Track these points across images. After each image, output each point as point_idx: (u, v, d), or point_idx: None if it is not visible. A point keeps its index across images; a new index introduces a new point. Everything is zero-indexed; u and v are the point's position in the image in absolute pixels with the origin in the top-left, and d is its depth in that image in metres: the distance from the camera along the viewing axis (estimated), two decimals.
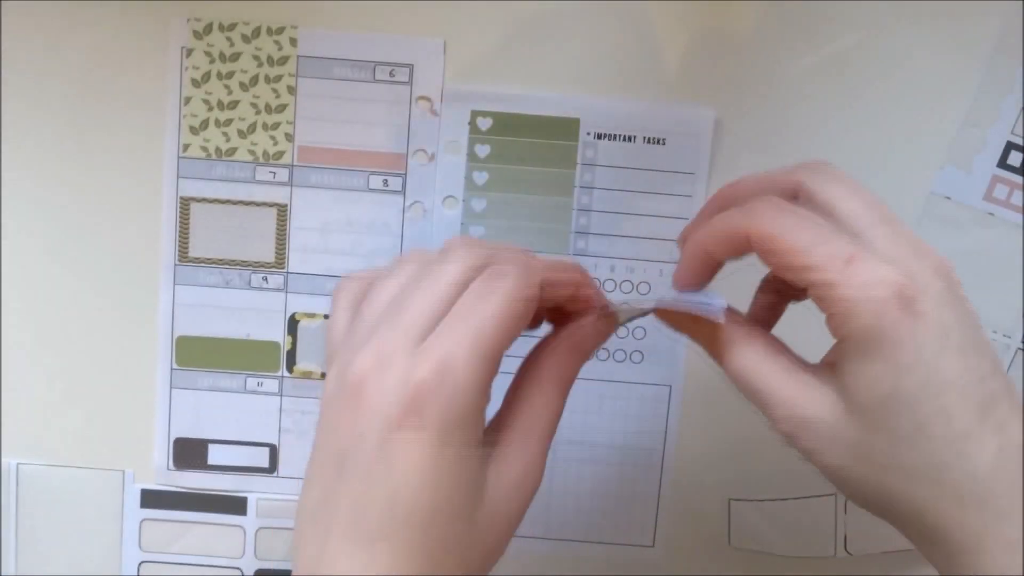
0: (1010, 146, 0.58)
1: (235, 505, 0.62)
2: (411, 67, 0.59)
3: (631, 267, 0.61)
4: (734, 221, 0.46)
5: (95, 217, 0.59)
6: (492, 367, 0.43)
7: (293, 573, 0.45)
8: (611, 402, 0.62)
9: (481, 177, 0.60)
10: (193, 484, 0.62)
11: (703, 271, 0.48)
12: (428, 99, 0.59)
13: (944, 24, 0.57)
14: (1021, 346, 0.59)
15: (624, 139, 0.59)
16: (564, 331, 0.49)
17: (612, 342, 0.61)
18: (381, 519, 0.42)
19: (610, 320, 0.50)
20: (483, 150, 0.60)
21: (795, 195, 0.46)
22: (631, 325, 0.61)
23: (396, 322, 0.43)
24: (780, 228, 0.44)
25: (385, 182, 0.59)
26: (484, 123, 0.59)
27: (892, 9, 0.57)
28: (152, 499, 0.62)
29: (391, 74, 0.59)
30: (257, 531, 0.62)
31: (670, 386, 0.62)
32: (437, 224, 0.60)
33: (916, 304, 0.42)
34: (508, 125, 0.59)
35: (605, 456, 0.62)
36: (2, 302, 0.60)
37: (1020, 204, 0.58)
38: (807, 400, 0.45)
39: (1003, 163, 0.58)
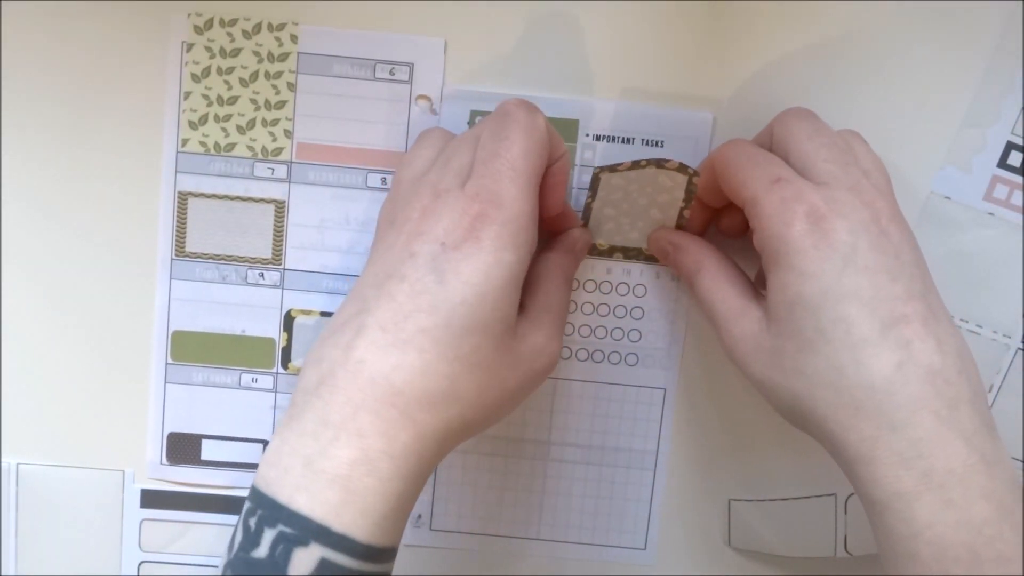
0: (1010, 146, 0.58)
1: (235, 506, 0.61)
2: (411, 66, 0.59)
3: (627, 269, 0.61)
4: (708, 157, 0.55)
5: (93, 211, 0.59)
6: (531, 194, 0.49)
7: (302, 376, 0.48)
8: (605, 404, 0.62)
9: None
10: (186, 479, 0.61)
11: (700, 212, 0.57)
12: (428, 98, 0.59)
13: (944, 24, 0.57)
14: (1021, 346, 0.59)
15: (623, 141, 0.59)
16: (559, 239, 0.58)
17: (607, 344, 0.61)
18: (418, 326, 0.46)
19: (588, 231, 0.59)
20: None
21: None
22: (626, 328, 0.61)
23: (446, 169, 0.50)
24: (728, 156, 0.52)
25: (383, 180, 0.59)
26: None
27: (892, 9, 0.57)
28: (152, 499, 0.61)
29: (391, 72, 0.59)
30: None
31: (664, 389, 0.62)
32: None
33: (825, 223, 0.47)
34: None
35: (599, 458, 0.62)
36: (1, 294, 0.60)
37: (1020, 204, 0.58)
38: (742, 317, 0.51)
39: (1003, 163, 0.58)
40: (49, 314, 0.60)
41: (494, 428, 0.61)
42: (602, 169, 0.55)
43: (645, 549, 0.63)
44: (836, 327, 0.46)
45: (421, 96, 0.59)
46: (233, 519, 0.61)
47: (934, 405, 0.45)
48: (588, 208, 0.58)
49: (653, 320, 0.61)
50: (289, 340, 0.60)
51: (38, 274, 0.60)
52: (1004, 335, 0.59)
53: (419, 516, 0.62)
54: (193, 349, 0.60)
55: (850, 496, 0.60)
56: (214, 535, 0.62)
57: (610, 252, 0.60)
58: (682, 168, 0.55)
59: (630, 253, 0.60)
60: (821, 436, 0.48)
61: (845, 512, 0.59)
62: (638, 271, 0.61)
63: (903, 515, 0.44)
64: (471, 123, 0.59)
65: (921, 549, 0.44)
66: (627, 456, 0.62)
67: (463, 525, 0.63)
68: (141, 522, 0.61)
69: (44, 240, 0.59)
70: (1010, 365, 0.59)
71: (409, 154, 0.54)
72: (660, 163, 0.55)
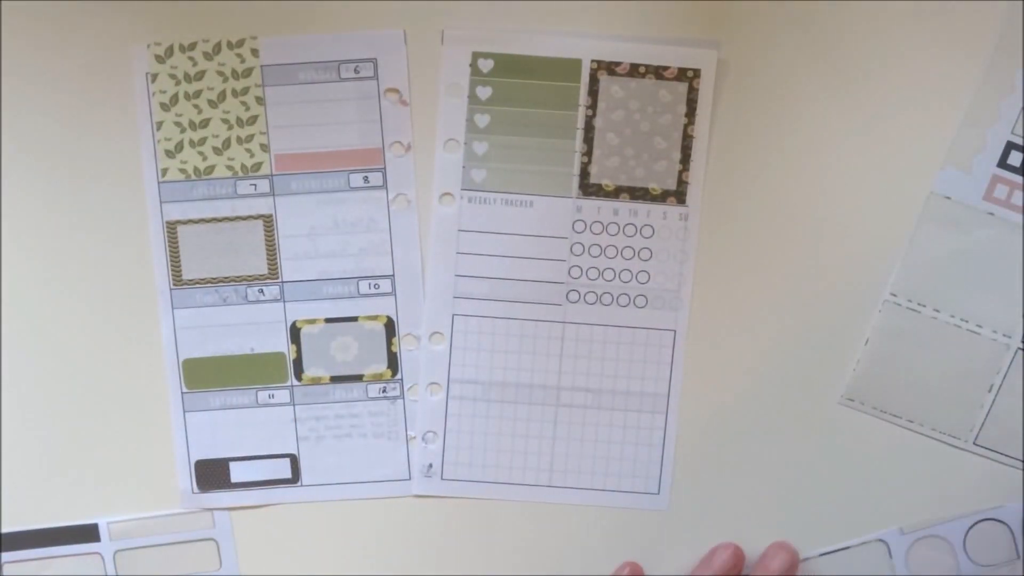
0: (1010, 146, 0.57)
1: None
2: (375, 61, 0.58)
3: (634, 210, 0.60)
4: None
5: (88, 253, 0.60)
6: None
7: None
8: (615, 347, 0.62)
9: (483, 119, 0.59)
10: (219, 504, 0.62)
11: None
12: (396, 90, 0.58)
13: (944, 24, 0.55)
14: (1021, 346, 0.59)
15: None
16: None
17: (615, 286, 0.61)
18: None
19: None
20: (484, 92, 0.59)
21: None
22: (635, 269, 0.61)
23: None
24: None
25: (366, 179, 0.59)
26: (485, 64, 0.59)
27: (892, 9, 0.56)
28: None
29: (356, 71, 0.58)
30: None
31: (674, 331, 0.62)
32: (435, 224, 0.60)
33: None
34: (510, 66, 0.59)
35: (610, 403, 0.63)
36: (2, 339, 0.61)
37: (1020, 204, 0.57)
38: None
39: (1003, 163, 0.57)
40: (61, 359, 0.61)
41: (503, 374, 0.62)
42: (600, 65, 0.56)
43: (658, 493, 0.63)
44: None
45: (389, 89, 0.58)
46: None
47: None
48: (589, 124, 0.58)
49: (661, 261, 0.61)
50: (299, 351, 0.61)
51: (44, 316, 0.60)
52: (1004, 335, 0.59)
53: (430, 466, 0.63)
54: (206, 375, 0.61)
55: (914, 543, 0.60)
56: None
57: (616, 193, 0.59)
58: (681, 74, 0.55)
59: (636, 193, 0.59)
60: None
61: (891, 557, 0.60)
62: (645, 211, 0.60)
63: None
64: (472, 64, 0.59)
65: None
66: (638, 400, 0.62)
67: (474, 474, 0.63)
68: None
69: (47, 283, 0.60)
70: (1010, 365, 0.59)
71: None
72: (659, 72, 0.56)
